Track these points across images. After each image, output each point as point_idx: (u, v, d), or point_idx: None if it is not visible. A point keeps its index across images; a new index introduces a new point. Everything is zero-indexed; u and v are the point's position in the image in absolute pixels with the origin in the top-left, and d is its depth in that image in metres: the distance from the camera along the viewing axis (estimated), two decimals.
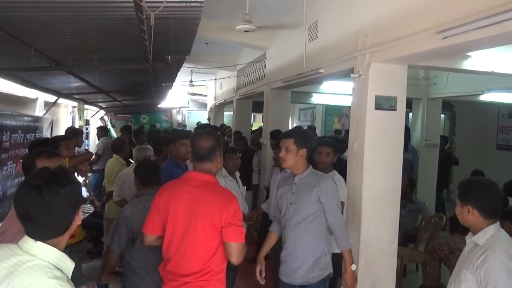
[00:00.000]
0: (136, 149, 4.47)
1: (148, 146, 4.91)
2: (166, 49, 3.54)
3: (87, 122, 9.60)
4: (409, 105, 7.06)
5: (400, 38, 3.07)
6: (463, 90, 6.48)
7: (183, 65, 5.33)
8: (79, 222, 1.41)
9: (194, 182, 2.17)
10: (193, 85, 10.27)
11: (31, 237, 1.29)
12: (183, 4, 2.35)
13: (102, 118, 11.53)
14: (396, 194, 3.58)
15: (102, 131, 8.13)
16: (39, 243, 1.27)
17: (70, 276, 1.31)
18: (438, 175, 7.17)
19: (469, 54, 3.76)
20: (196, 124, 14.22)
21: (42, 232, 1.29)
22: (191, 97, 16.69)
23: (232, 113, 10.75)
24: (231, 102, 10.45)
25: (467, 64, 3.89)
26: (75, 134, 5.06)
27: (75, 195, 1.35)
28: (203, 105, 16.65)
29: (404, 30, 3.02)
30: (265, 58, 7.13)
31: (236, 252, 2.09)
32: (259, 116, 16.43)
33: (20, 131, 4.53)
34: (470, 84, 6.22)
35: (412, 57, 3.21)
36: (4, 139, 4.05)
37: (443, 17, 2.62)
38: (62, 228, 1.32)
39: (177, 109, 16.79)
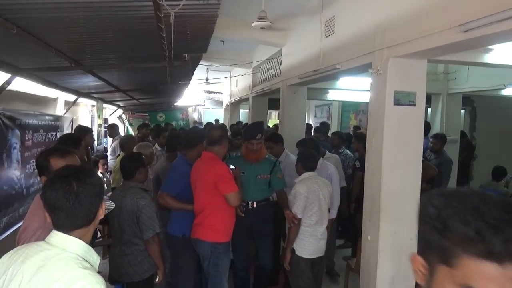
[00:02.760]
0: (136, 147, 4.54)
1: (148, 143, 5.02)
2: (183, 47, 3.56)
3: (105, 121, 9.76)
4: (428, 100, 6.93)
5: (419, 32, 3.01)
6: (484, 85, 6.34)
7: (199, 63, 5.36)
8: (102, 216, 1.45)
9: (203, 159, 3.38)
10: (209, 83, 10.33)
11: (60, 228, 1.34)
12: (201, 2, 2.36)
13: (120, 117, 11.71)
14: (416, 191, 3.53)
15: (112, 129, 7.74)
16: (67, 236, 1.32)
17: (97, 269, 1.34)
18: (458, 171, 7.04)
19: (491, 47, 3.68)
20: (214, 121, 14.33)
21: (71, 220, 1.33)
22: (207, 95, 16.80)
23: (248, 110, 10.76)
24: (247, 99, 10.46)
25: (489, 58, 3.80)
26: (83, 133, 4.97)
27: (99, 185, 1.40)
28: (219, 103, 16.72)
29: (424, 24, 2.97)
30: (281, 54, 7.10)
31: (229, 199, 3.17)
32: (275, 113, 16.42)
33: (41, 130, 4.63)
34: (491, 78, 6.07)
35: (432, 52, 3.15)
36: (27, 138, 4.15)
37: (464, 10, 2.57)
38: (89, 216, 1.36)
39: (193, 107, 16.91)
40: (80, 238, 1.33)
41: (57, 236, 1.32)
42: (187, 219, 3.38)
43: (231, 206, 3.24)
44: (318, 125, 8.54)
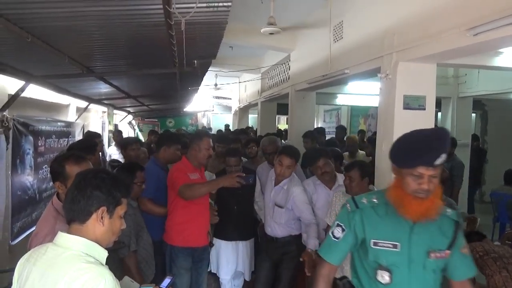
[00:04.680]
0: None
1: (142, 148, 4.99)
2: (193, 53, 3.60)
3: (116, 127, 9.86)
4: (438, 104, 6.90)
5: (428, 36, 3.02)
6: (495, 88, 6.28)
7: (209, 68, 5.41)
8: (124, 226, 1.50)
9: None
10: (218, 88, 10.39)
11: (68, 221, 1.41)
12: (211, 9, 2.39)
13: (130, 123, 11.82)
14: None
15: (119, 134, 7.68)
16: (70, 236, 1.38)
17: (104, 263, 1.39)
18: (469, 176, 6.95)
19: (501, 50, 3.66)
20: (224, 127, 14.39)
21: (68, 210, 1.41)
22: (216, 100, 16.87)
23: (256, 115, 10.79)
24: (256, 104, 10.49)
25: (499, 61, 3.79)
26: (94, 139, 4.93)
27: (106, 193, 1.42)
28: (228, 108, 16.79)
29: (433, 27, 2.97)
30: (290, 60, 7.13)
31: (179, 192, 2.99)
32: (283, 119, 16.42)
33: (54, 136, 4.70)
34: (502, 81, 6.02)
35: (442, 55, 3.14)
36: (40, 144, 4.21)
37: (473, 13, 2.57)
38: (82, 213, 1.39)
39: (203, 112, 16.99)
40: (83, 236, 1.38)
41: (62, 237, 1.38)
42: (158, 223, 3.23)
43: (195, 210, 3.13)
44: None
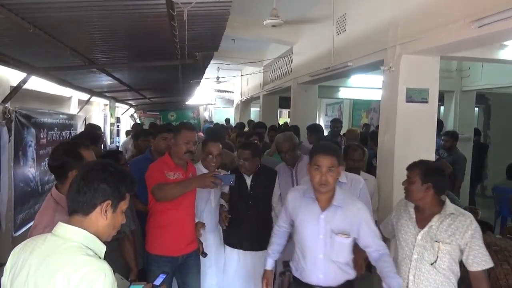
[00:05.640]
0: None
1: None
2: (195, 45, 3.58)
3: (117, 120, 9.86)
4: (441, 98, 6.85)
5: (432, 28, 2.99)
6: (498, 82, 6.25)
7: (211, 61, 5.39)
8: (124, 221, 1.50)
9: None
10: (220, 82, 10.36)
11: (70, 212, 1.40)
12: (213, 0, 2.38)
13: (132, 116, 11.81)
14: None
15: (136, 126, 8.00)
16: (71, 227, 1.36)
17: (102, 257, 1.39)
18: (472, 170, 6.94)
19: (506, 43, 3.63)
20: (225, 121, 14.36)
21: (71, 201, 1.39)
22: (217, 93, 16.86)
23: (258, 109, 10.78)
24: (258, 98, 10.47)
25: (504, 54, 3.76)
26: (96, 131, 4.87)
27: (113, 186, 1.42)
28: (230, 102, 16.78)
29: (437, 19, 2.95)
30: (292, 52, 7.10)
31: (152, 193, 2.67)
32: (285, 112, 16.40)
33: (56, 128, 4.70)
34: (506, 75, 5.98)
35: (445, 48, 3.12)
36: (42, 136, 4.21)
37: (479, 4, 2.54)
38: (86, 205, 1.38)
39: (204, 106, 16.98)
40: (84, 228, 1.37)
41: (62, 228, 1.37)
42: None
43: (175, 215, 2.73)
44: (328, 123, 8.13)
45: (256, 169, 3.25)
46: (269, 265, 2.55)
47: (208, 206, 3.15)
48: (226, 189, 3.35)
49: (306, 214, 2.28)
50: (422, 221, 2.33)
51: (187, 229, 2.83)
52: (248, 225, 3.20)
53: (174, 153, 2.80)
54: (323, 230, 2.22)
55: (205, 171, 3.03)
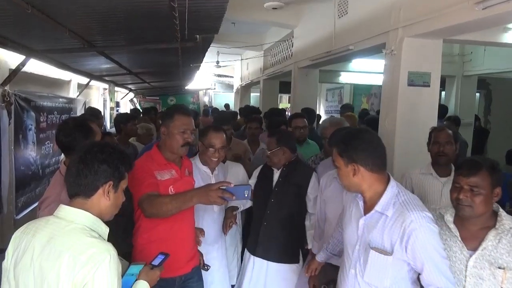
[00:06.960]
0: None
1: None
2: (195, 27, 3.53)
3: (117, 104, 9.83)
4: (442, 83, 6.82)
5: (435, 11, 2.95)
6: (501, 67, 6.21)
7: (211, 44, 5.33)
8: (124, 199, 1.51)
9: None
10: (219, 66, 10.29)
11: (71, 195, 1.40)
12: None
13: (131, 100, 11.77)
14: None
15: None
16: (73, 208, 1.37)
17: (106, 239, 1.40)
18: (471, 155, 6.96)
19: (509, 26, 3.59)
20: (225, 106, 14.27)
21: (71, 184, 1.39)
22: (217, 78, 16.76)
23: (258, 94, 10.73)
24: (258, 82, 10.41)
25: (508, 37, 3.72)
26: (96, 115, 4.88)
27: (114, 168, 1.42)
28: (230, 87, 16.69)
29: (440, 1, 2.91)
30: (293, 36, 7.03)
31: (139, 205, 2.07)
32: (285, 97, 16.34)
33: (55, 112, 4.69)
34: (508, 59, 5.94)
35: (448, 30, 3.09)
36: (42, 120, 4.20)
37: None
38: (87, 187, 1.38)
39: (204, 90, 16.90)
40: (87, 210, 1.37)
41: (64, 210, 1.37)
42: None
43: (168, 227, 2.17)
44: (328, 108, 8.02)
45: (287, 163, 2.75)
46: (319, 257, 2.28)
47: (209, 213, 2.66)
48: (242, 204, 2.80)
49: (350, 213, 1.82)
50: (469, 239, 1.71)
51: (186, 242, 2.27)
52: (266, 227, 2.74)
53: (166, 146, 2.21)
54: (360, 239, 1.72)
55: (203, 168, 2.60)
